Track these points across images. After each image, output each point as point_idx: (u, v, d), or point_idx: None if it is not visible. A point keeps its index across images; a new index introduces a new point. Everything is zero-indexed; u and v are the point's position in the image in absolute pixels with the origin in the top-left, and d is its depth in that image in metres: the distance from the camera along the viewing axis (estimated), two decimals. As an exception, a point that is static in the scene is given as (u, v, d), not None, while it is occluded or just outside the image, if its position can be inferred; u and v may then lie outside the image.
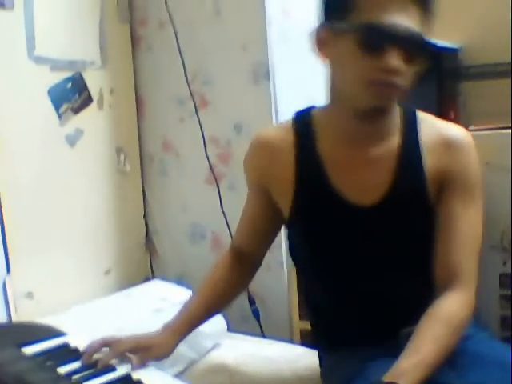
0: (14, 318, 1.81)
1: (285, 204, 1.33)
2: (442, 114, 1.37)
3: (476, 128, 1.81)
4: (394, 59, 1.12)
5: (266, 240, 1.46)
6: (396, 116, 1.28)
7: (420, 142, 1.26)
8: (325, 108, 1.32)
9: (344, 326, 1.31)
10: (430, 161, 1.25)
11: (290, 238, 1.41)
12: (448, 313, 1.15)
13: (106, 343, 1.26)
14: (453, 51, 3.37)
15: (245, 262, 1.46)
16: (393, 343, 1.17)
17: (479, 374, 1.14)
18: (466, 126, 1.37)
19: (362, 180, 1.26)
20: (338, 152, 1.27)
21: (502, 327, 1.76)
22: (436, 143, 1.26)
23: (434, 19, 1.17)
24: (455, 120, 2.01)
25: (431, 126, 1.28)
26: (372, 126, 1.24)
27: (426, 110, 1.34)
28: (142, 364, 1.22)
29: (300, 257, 1.41)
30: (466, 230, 1.22)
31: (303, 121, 1.33)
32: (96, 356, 1.23)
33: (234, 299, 1.49)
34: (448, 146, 1.25)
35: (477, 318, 1.26)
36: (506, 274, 1.76)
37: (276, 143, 1.33)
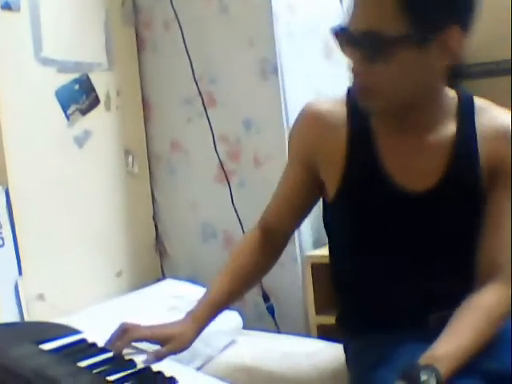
0: (27, 320, 1.79)
1: (332, 181, 1.29)
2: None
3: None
4: (352, 61, 1.15)
5: (299, 216, 1.41)
6: (448, 103, 1.26)
7: (476, 130, 1.24)
8: None
9: (374, 307, 1.29)
10: (485, 150, 1.23)
11: (329, 214, 1.36)
12: (488, 303, 1.15)
13: (125, 329, 1.23)
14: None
15: (273, 240, 1.41)
16: (421, 328, 1.16)
17: None
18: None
19: (415, 166, 1.24)
20: (392, 136, 1.25)
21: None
22: (492, 132, 1.23)
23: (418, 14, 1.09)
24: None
25: (488, 114, 1.26)
26: (414, 116, 1.23)
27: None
28: (157, 359, 1.17)
29: (338, 234, 1.37)
30: None
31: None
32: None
33: (258, 282, 1.46)
34: (504, 135, 1.23)
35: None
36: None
37: (329, 116, 1.29)
